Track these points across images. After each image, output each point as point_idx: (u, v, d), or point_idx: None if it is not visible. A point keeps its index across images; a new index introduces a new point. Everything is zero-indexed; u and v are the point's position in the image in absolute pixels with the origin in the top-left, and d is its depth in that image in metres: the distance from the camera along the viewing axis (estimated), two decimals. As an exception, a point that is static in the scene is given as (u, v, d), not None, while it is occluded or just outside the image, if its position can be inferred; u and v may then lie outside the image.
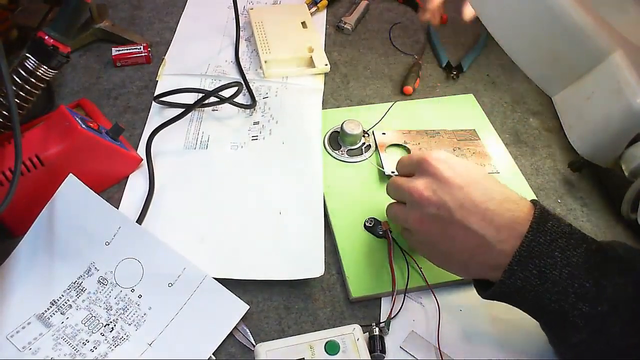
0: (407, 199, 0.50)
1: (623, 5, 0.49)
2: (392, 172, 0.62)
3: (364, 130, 0.67)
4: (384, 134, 0.68)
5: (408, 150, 0.67)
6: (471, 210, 0.45)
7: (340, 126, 0.67)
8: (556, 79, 0.49)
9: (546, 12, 0.45)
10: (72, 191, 0.54)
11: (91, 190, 0.54)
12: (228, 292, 0.53)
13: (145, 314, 0.52)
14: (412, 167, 0.51)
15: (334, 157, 0.66)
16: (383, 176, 0.64)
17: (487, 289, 0.47)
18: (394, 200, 0.54)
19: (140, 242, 0.54)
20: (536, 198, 0.62)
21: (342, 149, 0.67)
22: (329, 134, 0.69)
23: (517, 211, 0.45)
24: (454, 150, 0.67)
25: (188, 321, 0.52)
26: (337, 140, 0.68)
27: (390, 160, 0.62)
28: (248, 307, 0.52)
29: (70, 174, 0.54)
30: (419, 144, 0.67)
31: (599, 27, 0.45)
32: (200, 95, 0.68)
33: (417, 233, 0.50)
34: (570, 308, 0.43)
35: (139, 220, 0.58)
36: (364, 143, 0.67)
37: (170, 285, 0.53)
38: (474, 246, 0.45)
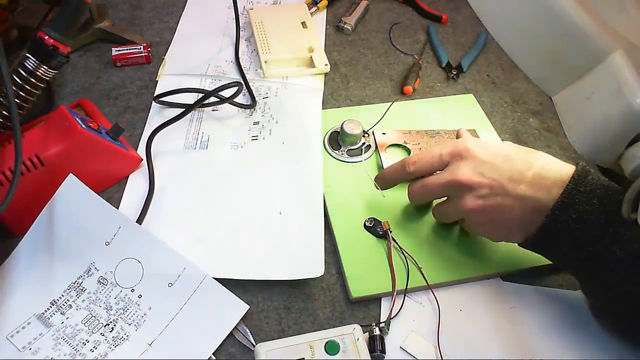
0: (453, 190, 0.53)
1: (623, 5, 0.49)
2: None
3: (364, 130, 0.67)
4: (384, 134, 0.68)
5: (408, 151, 0.67)
6: (520, 180, 0.49)
7: (340, 126, 0.67)
8: (556, 79, 0.49)
9: (546, 12, 0.45)
10: (72, 191, 0.54)
11: (91, 190, 0.54)
12: (228, 292, 0.53)
13: (145, 314, 0.52)
14: (441, 162, 0.54)
15: (334, 157, 0.66)
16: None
17: (529, 238, 0.50)
18: (418, 204, 0.58)
19: (140, 242, 0.54)
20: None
21: (342, 149, 0.67)
22: (329, 134, 0.69)
23: (560, 170, 0.49)
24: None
25: (188, 321, 0.52)
26: (337, 140, 0.68)
27: (390, 161, 0.62)
28: (248, 307, 0.52)
29: (70, 174, 0.54)
30: (419, 144, 0.67)
31: (599, 27, 0.45)
32: (200, 95, 0.68)
33: (475, 216, 0.52)
34: (604, 251, 0.46)
35: (139, 220, 0.58)
36: (364, 143, 0.67)
37: (170, 285, 0.53)
38: (530, 209, 0.49)
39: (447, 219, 0.57)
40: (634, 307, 0.47)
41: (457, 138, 0.63)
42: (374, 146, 0.68)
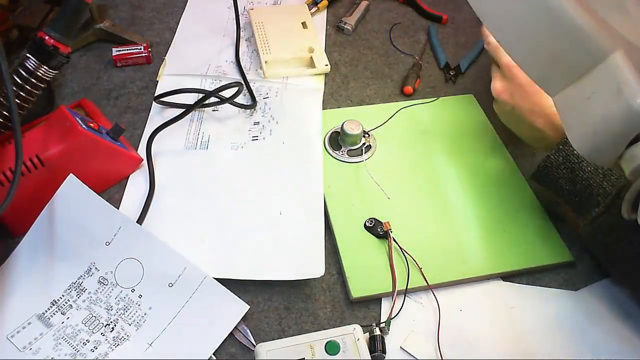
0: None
1: (623, 5, 0.49)
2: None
3: (364, 131, 0.67)
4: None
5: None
6: (539, 113, 0.57)
7: (340, 126, 0.67)
8: (556, 79, 0.49)
9: (546, 12, 0.45)
10: (72, 191, 0.54)
11: (91, 190, 0.54)
12: (228, 292, 0.53)
13: (145, 314, 0.52)
14: (498, 61, 0.61)
15: (334, 158, 0.66)
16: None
17: (539, 166, 0.56)
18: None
19: (141, 242, 0.54)
20: (536, 199, 0.63)
21: (342, 149, 0.67)
22: (329, 134, 0.69)
23: None
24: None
25: (188, 321, 0.52)
26: (337, 140, 0.68)
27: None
28: (248, 307, 0.52)
29: (71, 174, 0.54)
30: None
31: (599, 27, 0.45)
32: (201, 95, 0.68)
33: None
34: (596, 186, 0.52)
35: (140, 221, 0.58)
36: (364, 143, 0.67)
37: (170, 285, 0.53)
38: (537, 138, 0.59)
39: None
40: (610, 240, 0.53)
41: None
42: (375, 147, 0.68)
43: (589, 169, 0.53)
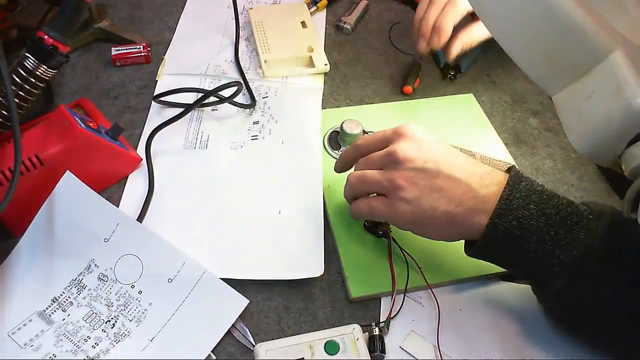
0: (388, 161, 0.51)
1: (623, 5, 0.49)
2: None
3: (363, 130, 0.67)
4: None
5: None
6: (455, 162, 0.50)
7: (339, 126, 0.67)
8: (556, 78, 0.49)
9: (546, 12, 0.45)
10: (69, 189, 0.54)
11: (89, 188, 0.54)
12: (228, 286, 0.53)
13: (145, 310, 0.52)
14: (385, 139, 0.53)
15: (334, 157, 0.66)
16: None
17: (473, 247, 0.50)
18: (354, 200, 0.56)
19: (139, 238, 0.54)
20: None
21: (341, 148, 0.67)
22: (328, 133, 0.69)
23: (491, 174, 0.50)
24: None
25: (189, 316, 0.52)
26: (336, 140, 0.68)
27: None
28: (248, 301, 0.52)
29: (67, 172, 0.54)
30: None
31: (599, 27, 0.45)
32: (200, 95, 0.68)
33: (404, 191, 0.49)
34: (548, 257, 0.46)
35: (139, 220, 0.58)
36: None
37: (170, 280, 0.53)
38: (460, 194, 0.48)
39: (370, 214, 0.54)
40: (581, 310, 0.48)
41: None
42: None
43: (534, 238, 0.46)
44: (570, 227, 0.46)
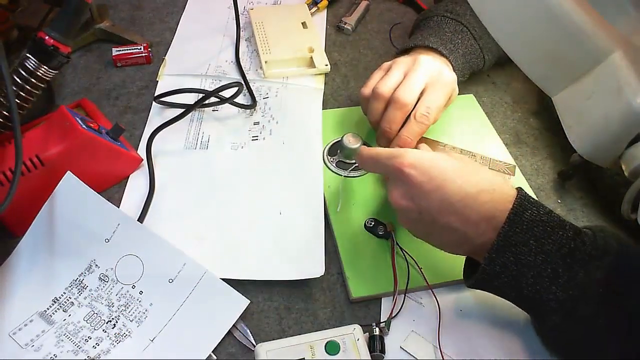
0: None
1: (623, 5, 0.49)
2: None
3: (364, 142, 0.65)
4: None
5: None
6: (449, 210, 0.48)
7: (340, 140, 0.65)
8: (556, 79, 0.49)
9: (546, 12, 0.45)
10: (70, 189, 0.54)
11: (89, 188, 0.54)
12: (228, 287, 0.53)
13: (146, 310, 0.52)
14: (386, 170, 0.52)
15: (333, 171, 0.65)
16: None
17: (470, 280, 0.50)
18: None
19: (140, 238, 0.55)
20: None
21: (339, 158, 0.66)
22: (329, 146, 0.67)
23: (494, 202, 0.47)
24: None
25: (189, 316, 0.52)
26: (337, 151, 0.66)
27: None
28: (249, 301, 0.52)
29: (68, 172, 0.54)
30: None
31: (599, 27, 0.45)
32: (201, 95, 0.68)
33: (409, 228, 0.53)
34: (544, 292, 0.46)
35: (140, 220, 0.58)
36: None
37: (170, 281, 0.53)
38: (456, 241, 0.49)
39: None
40: (577, 346, 0.47)
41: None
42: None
43: (531, 274, 0.46)
44: (569, 266, 0.45)
